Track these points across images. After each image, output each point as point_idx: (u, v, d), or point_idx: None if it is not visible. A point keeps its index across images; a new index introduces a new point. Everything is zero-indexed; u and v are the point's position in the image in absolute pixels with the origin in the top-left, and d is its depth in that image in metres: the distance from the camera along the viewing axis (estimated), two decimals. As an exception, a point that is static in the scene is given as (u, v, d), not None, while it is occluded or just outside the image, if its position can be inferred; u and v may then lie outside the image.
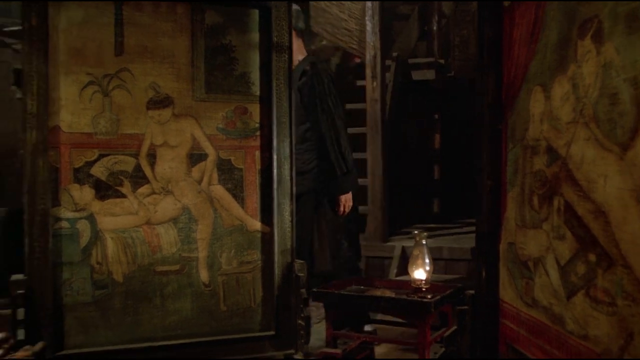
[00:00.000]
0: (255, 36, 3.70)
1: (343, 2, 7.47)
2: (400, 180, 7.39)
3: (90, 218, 3.37)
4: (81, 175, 3.35)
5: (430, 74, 7.58)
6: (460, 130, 7.55)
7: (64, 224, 3.32)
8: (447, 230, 7.28)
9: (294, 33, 4.33)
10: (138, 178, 3.46)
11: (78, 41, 3.38)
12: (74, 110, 3.35)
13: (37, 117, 3.22)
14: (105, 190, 3.39)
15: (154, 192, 3.49)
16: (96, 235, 3.38)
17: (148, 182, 3.47)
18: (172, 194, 3.53)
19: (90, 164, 3.37)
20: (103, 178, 3.39)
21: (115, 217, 3.41)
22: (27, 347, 2.13)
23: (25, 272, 3.20)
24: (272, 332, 3.67)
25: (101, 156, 3.39)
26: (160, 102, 3.52)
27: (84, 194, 3.35)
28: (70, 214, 3.33)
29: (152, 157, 3.49)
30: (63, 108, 3.32)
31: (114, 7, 3.45)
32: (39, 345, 2.16)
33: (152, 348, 3.47)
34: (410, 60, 7.81)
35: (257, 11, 3.70)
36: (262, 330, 3.68)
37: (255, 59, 3.69)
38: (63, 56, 3.34)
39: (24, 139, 3.22)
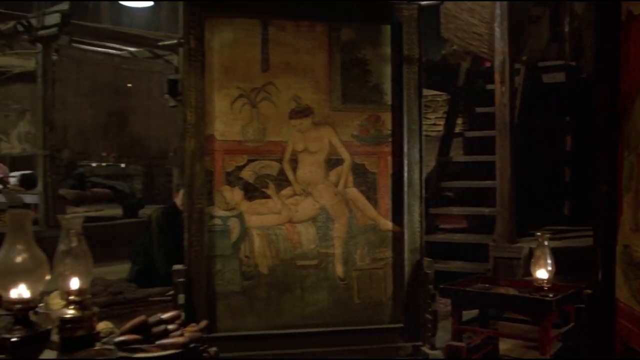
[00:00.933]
0: (387, 50, 3.99)
1: (473, 7, 7.61)
2: (530, 183, 7.44)
3: (240, 216, 3.79)
4: (232, 178, 3.78)
5: (560, 77, 7.56)
6: (592, 132, 7.49)
7: (217, 221, 3.76)
8: (577, 232, 7.25)
9: None
10: (281, 181, 3.84)
11: (229, 59, 3.80)
12: (226, 121, 3.78)
13: (195, 127, 3.66)
14: (252, 191, 3.80)
15: (295, 194, 3.86)
16: (245, 232, 3.79)
17: (290, 184, 3.85)
18: (312, 196, 3.89)
19: (240, 168, 3.79)
20: (251, 181, 3.80)
21: (261, 216, 3.82)
22: (192, 324, 2.51)
23: (184, 263, 3.65)
24: (402, 325, 3.95)
25: (250, 161, 3.80)
26: (301, 112, 3.89)
27: (234, 195, 3.77)
28: (222, 213, 3.77)
29: (294, 162, 3.86)
30: (217, 119, 3.76)
31: (260, 28, 3.85)
32: (203, 323, 2.54)
33: (293, 334, 3.84)
34: (540, 64, 7.82)
35: (389, 27, 4.00)
36: (392, 323, 3.97)
37: (387, 71, 3.99)
38: (217, 73, 3.77)
39: (184, 146, 3.67)
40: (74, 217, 2.17)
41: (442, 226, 7.50)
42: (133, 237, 6.73)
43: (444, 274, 4.97)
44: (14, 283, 1.87)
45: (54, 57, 8.00)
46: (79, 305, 2.10)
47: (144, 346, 2.25)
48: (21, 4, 13.71)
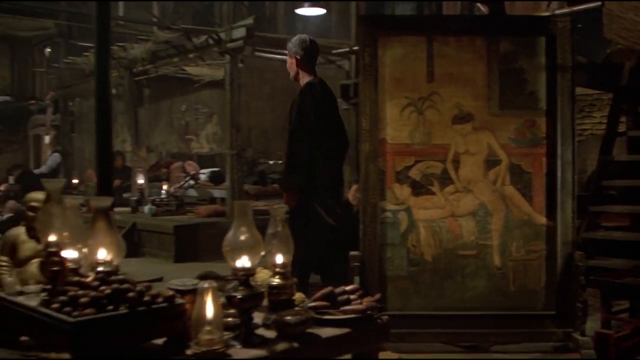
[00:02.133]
0: (542, 60, 4.37)
1: (639, 6, 7.65)
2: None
3: (408, 210, 4.33)
4: (401, 177, 4.33)
5: None
6: None
7: (388, 214, 4.32)
8: None
9: (296, 59, 5.02)
10: (445, 179, 4.34)
11: (399, 72, 4.35)
12: (396, 126, 4.33)
13: (370, 132, 4.25)
14: (419, 188, 4.33)
15: (457, 191, 4.34)
16: (412, 224, 4.33)
17: (452, 182, 4.34)
18: (472, 193, 4.35)
19: (408, 168, 4.33)
20: (418, 179, 4.33)
21: (427, 210, 4.33)
22: (368, 297, 3.06)
23: (360, 249, 4.24)
24: (553, 312, 4.32)
25: (416, 162, 4.33)
26: (462, 118, 4.36)
27: (403, 191, 4.32)
28: (393, 207, 4.32)
29: (456, 163, 4.34)
30: (388, 125, 4.32)
31: (426, 44, 4.37)
32: (377, 296, 3.07)
33: (452, 316, 4.33)
34: None
35: (544, 38, 4.37)
36: (544, 310, 4.34)
37: (542, 79, 4.36)
38: (388, 85, 4.33)
39: (360, 149, 4.27)
40: (280, 207, 2.79)
41: (604, 224, 7.61)
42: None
43: (602, 271, 5.19)
44: (239, 255, 2.51)
45: (240, 66, 8.88)
46: (282, 276, 2.71)
47: (330, 311, 2.83)
48: (211, 20, 15.02)
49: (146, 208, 9.51)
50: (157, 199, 9.60)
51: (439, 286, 4.36)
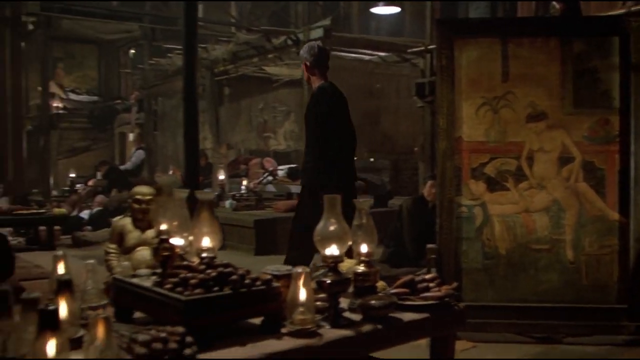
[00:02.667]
0: (616, 59, 4.48)
1: None
2: None
3: (483, 205, 4.52)
4: (476, 173, 4.51)
5: None
6: None
7: (464, 209, 4.52)
8: None
9: (305, 65, 5.38)
10: (519, 176, 4.51)
11: (474, 73, 4.53)
12: (471, 125, 4.52)
13: (446, 130, 4.45)
14: (494, 184, 4.51)
15: (531, 187, 4.50)
16: (487, 219, 4.51)
17: (527, 179, 4.50)
18: (545, 189, 4.50)
19: (483, 165, 4.51)
20: (492, 175, 4.50)
21: (501, 205, 4.51)
22: (446, 285, 3.26)
23: (436, 242, 4.45)
24: (626, 306, 4.42)
25: (491, 159, 4.51)
26: (536, 116, 4.51)
27: (478, 187, 4.51)
28: (468, 202, 4.52)
29: (530, 160, 4.50)
30: (464, 123, 4.51)
31: (500, 46, 4.53)
32: (454, 284, 3.28)
33: (525, 308, 4.50)
34: None
35: (617, 38, 4.48)
36: (617, 303, 4.46)
37: (615, 78, 4.47)
38: (464, 86, 4.52)
39: (437, 147, 4.47)
40: (365, 201, 3.04)
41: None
42: (384, 225, 7.63)
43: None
44: (328, 244, 2.76)
45: (317, 65, 9.13)
46: (367, 264, 2.95)
47: (410, 297, 3.06)
48: (286, 20, 15.37)
49: (227, 203, 9.90)
50: (237, 194, 9.98)
51: (512, 279, 4.52)
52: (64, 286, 2.42)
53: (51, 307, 1.97)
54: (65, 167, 14.04)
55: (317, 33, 8.81)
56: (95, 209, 11.36)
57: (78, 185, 12.92)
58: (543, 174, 4.52)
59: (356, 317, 2.79)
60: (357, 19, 16.20)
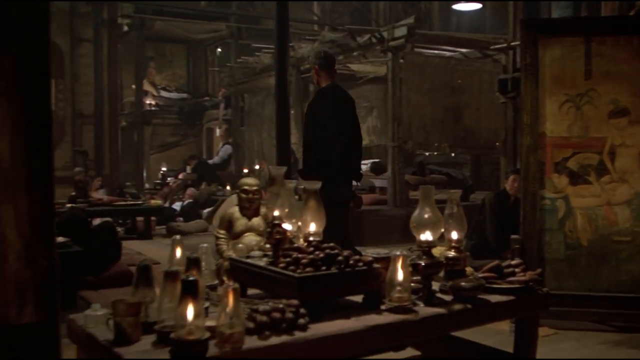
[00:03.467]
0: (703, 55, 4.60)
1: None
2: None
3: (565, 198, 4.71)
4: (559, 167, 4.71)
5: None
6: None
7: (547, 202, 4.73)
8: None
9: (314, 69, 5.88)
10: (601, 170, 4.68)
11: (558, 71, 4.73)
12: (555, 121, 4.72)
13: (530, 126, 4.67)
14: (576, 178, 4.70)
15: (612, 181, 4.67)
16: (569, 211, 4.71)
17: (608, 173, 4.68)
18: (627, 182, 4.67)
19: (566, 159, 4.71)
20: (575, 169, 4.70)
21: (583, 198, 4.70)
22: (530, 271, 3.50)
23: (520, 234, 4.68)
24: None
25: (574, 154, 4.71)
26: (619, 112, 4.68)
27: (561, 180, 4.71)
28: (551, 195, 4.72)
29: (611, 155, 4.68)
30: (547, 119, 4.71)
31: (583, 44, 4.71)
32: (538, 270, 3.52)
33: (606, 297, 4.67)
34: None
35: None
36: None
37: (698, 75, 4.60)
38: (547, 83, 4.72)
39: (521, 142, 4.69)
40: (456, 192, 3.32)
41: None
42: (466, 218, 7.82)
43: None
44: (423, 231, 3.05)
45: (400, 62, 9.41)
46: (457, 250, 3.23)
47: (497, 281, 3.32)
48: (368, 17, 15.62)
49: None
50: (322, 188, 10.27)
51: (594, 269, 4.70)
52: (193, 263, 2.80)
53: (191, 278, 2.34)
54: (156, 161, 14.72)
55: (401, 31, 9.06)
56: (186, 201, 11.93)
57: (169, 179, 13.56)
58: (625, 168, 4.67)
59: (447, 297, 3.07)
60: (437, 15, 16.34)
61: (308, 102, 6.05)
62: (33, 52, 1.60)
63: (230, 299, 2.36)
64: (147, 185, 13.85)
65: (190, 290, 2.29)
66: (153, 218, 10.23)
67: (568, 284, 4.72)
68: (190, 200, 11.89)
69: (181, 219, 11.18)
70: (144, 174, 14.00)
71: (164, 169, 13.94)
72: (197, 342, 2.26)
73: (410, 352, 3.75)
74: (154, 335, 2.46)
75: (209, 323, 2.39)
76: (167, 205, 11.69)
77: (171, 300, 2.47)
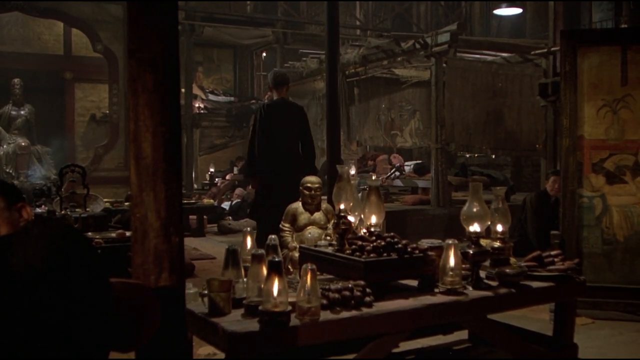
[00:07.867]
0: None
1: None
2: None
3: (602, 197, 5.05)
4: (596, 168, 5.05)
5: None
6: None
7: (585, 200, 5.06)
8: None
9: (269, 86, 7.27)
10: (636, 170, 5.01)
11: (595, 78, 5.06)
12: (592, 124, 5.05)
13: (569, 129, 5.01)
14: (612, 178, 5.03)
15: (653, 181, 5.00)
16: (606, 208, 5.04)
17: (645, 173, 5.00)
18: (662, 183, 4.99)
19: (603, 160, 5.04)
20: (611, 170, 5.03)
21: (619, 197, 5.02)
22: (569, 261, 3.85)
23: (559, 230, 5.02)
24: None
25: (610, 155, 5.04)
26: (654, 116, 5.00)
27: (598, 180, 5.04)
28: (589, 193, 5.06)
29: (648, 156, 5.00)
30: (585, 123, 5.05)
31: (620, 53, 5.03)
32: (576, 260, 3.88)
33: (641, 290, 4.99)
34: None
35: None
36: None
37: None
38: (585, 89, 5.06)
39: (560, 144, 5.03)
40: (501, 189, 3.70)
41: None
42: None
43: None
44: (472, 223, 3.44)
45: (444, 67, 9.74)
46: (502, 240, 3.60)
47: (538, 269, 3.68)
48: (409, 21, 15.92)
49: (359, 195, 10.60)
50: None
51: (629, 263, 5.02)
52: (272, 249, 3.23)
53: (277, 259, 2.76)
54: (204, 162, 15.21)
55: (444, 37, 9.37)
56: (235, 201, 12.39)
57: (217, 179, 14.05)
58: (659, 168, 5.00)
59: (493, 283, 3.45)
60: (478, 19, 16.62)
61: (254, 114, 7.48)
62: (171, 69, 2.03)
63: (309, 278, 2.78)
64: (195, 186, 14.34)
65: (275, 269, 2.72)
66: (205, 216, 10.72)
67: (605, 276, 5.04)
68: (239, 200, 12.33)
69: (230, 217, 11.64)
70: (193, 175, 14.50)
71: (212, 170, 14.41)
72: (282, 313, 2.69)
73: (458, 335, 4.13)
74: (242, 310, 2.89)
75: (291, 299, 2.81)
76: (215, 204, 12.17)
77: (255, 280, 2.89)
